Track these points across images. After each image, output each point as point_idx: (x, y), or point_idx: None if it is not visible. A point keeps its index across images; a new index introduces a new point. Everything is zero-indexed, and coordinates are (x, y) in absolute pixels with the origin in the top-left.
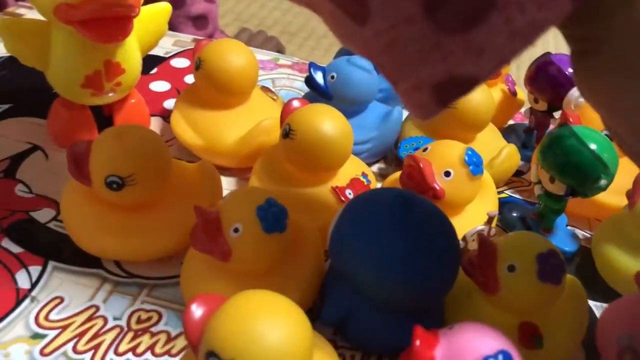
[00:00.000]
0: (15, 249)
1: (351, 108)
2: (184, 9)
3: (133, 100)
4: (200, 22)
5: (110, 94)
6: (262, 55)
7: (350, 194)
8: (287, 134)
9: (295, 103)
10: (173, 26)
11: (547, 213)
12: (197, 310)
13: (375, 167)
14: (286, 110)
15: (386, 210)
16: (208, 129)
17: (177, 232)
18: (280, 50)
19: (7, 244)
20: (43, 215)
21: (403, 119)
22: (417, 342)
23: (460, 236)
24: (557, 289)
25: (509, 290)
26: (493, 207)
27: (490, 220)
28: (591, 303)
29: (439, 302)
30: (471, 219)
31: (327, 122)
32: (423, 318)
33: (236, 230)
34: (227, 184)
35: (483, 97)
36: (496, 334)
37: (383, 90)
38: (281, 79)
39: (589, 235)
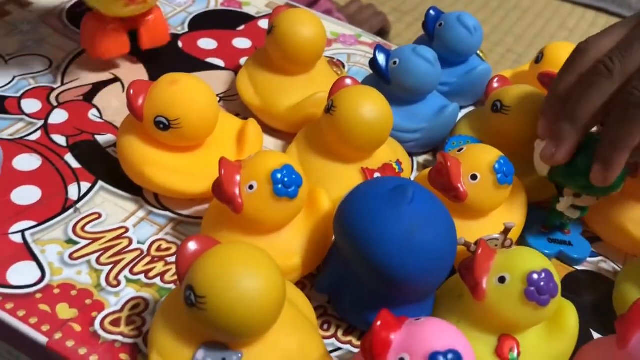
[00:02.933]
0: (74, 164)
1: (408, 96)
2: None
3: (152, 16)
4: None
5: (142, 4)
6: (345, 29)
7: (378, 177)
8: (328, 109)
9: (347, 81)
10: None
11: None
12: (190, 248)
13: (421, 158)
14: (336, 86)
15: (387, 196)
16: (267, 92)
17: (212, 178)
18: (385, 27)
19: (69, 158)
20: (105, 140)
21: (459, 117)
22: (378, 323)
23: (473, 240)
24: (542, 310)
25: (494, 301)
26: (519, 219)
27: (506, 230)
28: (596, 335)
29: (427, 295)
30: (493, 226)
31: (368, 104)
32: (410, 306)
33: (251, 187)
34: (274, 145)
35: (539, 106)
36: (456, 334)
37: (448, 84)
38: (357, 55)
39: (618, 269)
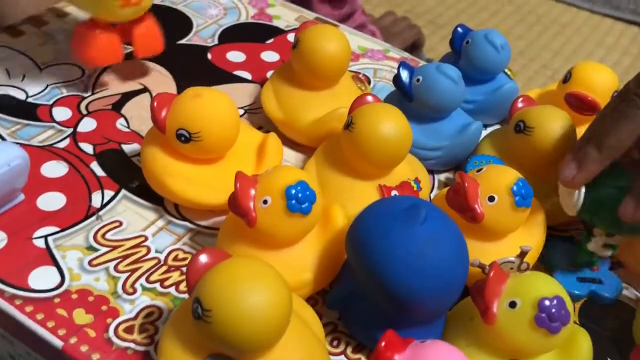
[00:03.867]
0: (99, 172)
1: (430, 113)
2: None
3: (144, 24)
4: (338, 2)
5: (136, 5)
6: (374, 43)
7: (395, 195)
8: (347, 125)
9: (368, 98)
10: (306, 3)
11: (596, 260)
12: (201, 260)
13: (442, 176)
14: (356, 103)
15: (400, 215)
16: (290, 105)
17: (231, 190)
18: (418, 40)
19: (95, 166)
20: (131, 149)
21: (482, 135)
22: (382, 344)
23: (489, 262)
24: (553, 337)
25: (504, 326)
26: (537, 242)
27: (522, 254)
28: None
29: (438, 316)
30: (510, 248)
31: (387, 122)
32: (419, 327)
33: (265, 201)
34: (295, 159)
35: (564, 128)
36: (460, 359)
37: (474, 102)
38: (384, 70)
39: None
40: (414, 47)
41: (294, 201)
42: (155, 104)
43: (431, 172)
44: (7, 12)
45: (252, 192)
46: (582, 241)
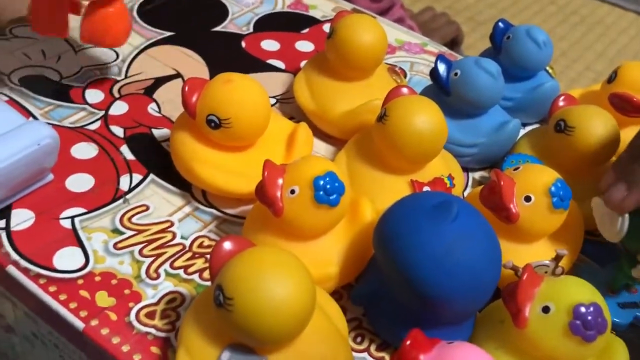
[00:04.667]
0: (129, 155)
1: (468, 109)
2: None
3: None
4: None
5: None
6: (411, 37)
7: (427, 191)
8: (381, 117)
9: (403, 90)
10: None
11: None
12: (225, 247)
13: (477, 174)
14: (391, 95)
15: (430, 211)
16: (323, 96)
17: (259, 179)
18: (457, 37)
19: (125, 149)
20: (161, 134)
21: (520, 134)
22: (407, 342)
23: (523, 264)
24: (588, 346)
25: (536, 331)
26: (573, 247)
27: (558, 257)
28: None
29: (466, 317)
30: (545, 251)
31: (421, 115)
32: (446, 328)
33: (292, 191)
34: (325, 151)
35: (607, 130)
36: None
37: (512, 100)
38: (420, 64)
39: None
40: (453, 44)
41: (321, 192)
42: (186, 88)
43: (466, 169)
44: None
45: (280, 181)
46: (623, 266)
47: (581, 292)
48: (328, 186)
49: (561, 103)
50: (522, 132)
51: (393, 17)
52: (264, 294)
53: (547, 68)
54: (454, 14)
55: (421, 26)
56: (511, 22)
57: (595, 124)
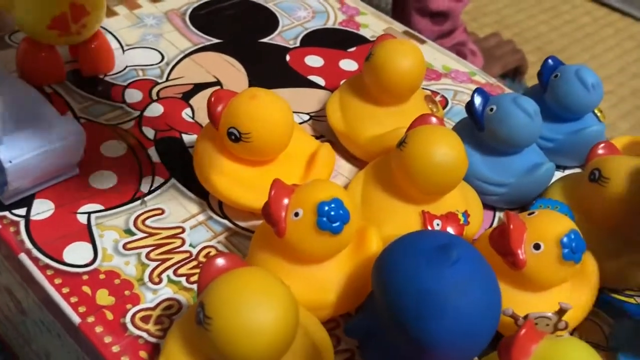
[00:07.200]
0: (155, 157)
1: (500, 146)
2: (422, 2)
3: (94, 45)
4: (439, 18)
5: (76, 35)
6: (460, 64)
7: (438, 224)
8: (400, 143)
9: (432, 119)
10: (405, 15)
11: None
12: (216, 264)
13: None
14: (416, 122)
15: (430, 254)
16: (354, 118)
17: None
18: (521, 65)
19: (152, 151)
20: (190, 139)
21: (555, 178)
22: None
23: (524, 313)
24: None
25: None
26: (584, 302)
27: (561, 311)
28: None
29: None
30: (551, 303)
31: (441, 146)
32: None
33: (297, 214)
34: (349, 172)
35: None
36: None
37: (553, 141)
38: (464, 94)
39: None
40: (516, 73)
41: (325, 218)
42: (212, 99)
43: (493, 208)
44: None
45: (286, 201)
46: None
47: (579, 357)
48: (332, 213)
49: (600, 151)
50: (561, 174)
51: (454, 40)
52: (242, 318)
53: (595, 111)
54: (521, 42)
55: (484, 52)
56: (583, 55)
57: (633, 178)
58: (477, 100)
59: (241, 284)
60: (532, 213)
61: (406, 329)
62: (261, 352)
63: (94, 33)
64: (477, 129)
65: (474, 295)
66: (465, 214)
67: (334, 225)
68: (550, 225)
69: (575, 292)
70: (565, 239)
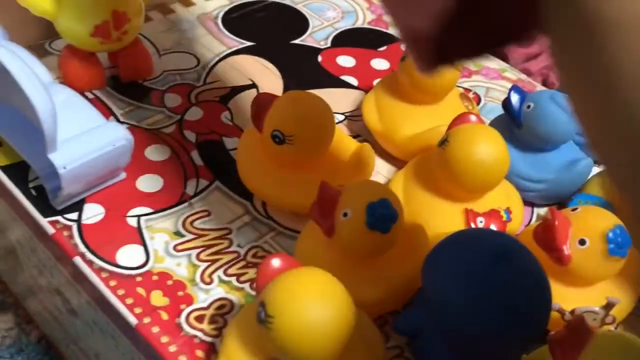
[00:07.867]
0: (198, 161)
1: (538, 143)
2: None
3: (133, 51)
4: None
5: (117, 42)
6: (490, 61)
7: (481, 222)
8: (442, 142)
9: (471, 117)
10: None
11: None
12: (272, 264)
13: (543, 210)
14: (456, 121)
15: (481, 254)
16: (391, 117)
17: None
18: None
19: (195, 155)
20: (231, 142)
21: (591, 174)
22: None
23: (570, 308)
24: None
25: None
26: (630, 297)
27: (608, 306)
28: None
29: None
30: (597, 297)
31: (482, 145)
32: None
33: (345, 214)
34: (387, 171)
35: None
36: None
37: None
38: (496, 90)
39: None
40: None
41: (374, 218)
42: (256, 102)
43: (531, 204)
44: None
45: (334, 202)
46: None
47: (632, 355)
48: (381, 213)
49: None
50: (598, 169)
51: (540, 65)
52: (303, 316)
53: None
54: None
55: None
56: None
57: None
58: (514, 97)
59: (301, 283)
60: (576, 209)
61: (460, 324)
62: (321, 348)
63: (133, 39)
64: (515, 126)
65: (525, 291)
66: (507, 211)
67: (383, 225)
68: (595, 221)
69: (620, 286)
70: (610, 234)
